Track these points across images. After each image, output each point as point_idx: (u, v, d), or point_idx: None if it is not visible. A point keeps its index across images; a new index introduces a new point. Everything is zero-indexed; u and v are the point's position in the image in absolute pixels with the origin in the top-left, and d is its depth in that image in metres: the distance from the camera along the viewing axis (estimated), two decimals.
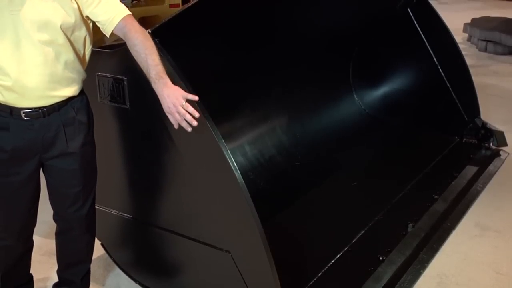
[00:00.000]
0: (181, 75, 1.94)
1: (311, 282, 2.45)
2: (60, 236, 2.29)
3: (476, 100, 4.10)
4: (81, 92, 2.06)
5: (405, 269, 2.66)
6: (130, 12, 1.98)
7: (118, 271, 2.63)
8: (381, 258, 2.67)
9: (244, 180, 1.91)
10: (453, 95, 4.08)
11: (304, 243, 2.79)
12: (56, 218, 2.23)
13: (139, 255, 2.55)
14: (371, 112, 4.42)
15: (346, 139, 3.97)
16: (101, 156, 2.37)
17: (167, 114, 1.89)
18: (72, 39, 1.94)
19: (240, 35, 3.05)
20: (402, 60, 4.36)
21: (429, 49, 4.07)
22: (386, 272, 2.60)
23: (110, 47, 2.20)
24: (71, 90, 1.99)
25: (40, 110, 1.93)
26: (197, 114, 1.85)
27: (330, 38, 3.98)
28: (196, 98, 1.89)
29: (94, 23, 2.01)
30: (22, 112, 1.91)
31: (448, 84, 4.07)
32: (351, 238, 2.82)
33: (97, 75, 2.21)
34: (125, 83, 2.12)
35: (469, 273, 2.72)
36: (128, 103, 2.16)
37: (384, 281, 2.54)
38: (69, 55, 1.94)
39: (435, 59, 4.07)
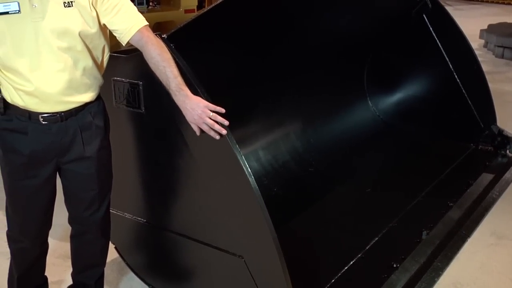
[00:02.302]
0: (195, 80, 1.95)
1: None
2: (75, 239, 2.31)
3: (492, 107, 4.06)
4: (98, 97, 2.08)
5: (419, 277, 2.63)
6: (147, 23, 1.99)
7: (131, 274, 2.64)
8: (395, 266, 2.64)
9: (258, 186, 1.91)
10: (469, 101, 4.04)
11: (318, 249, 2.77)
12: (71, 221, 2.25)
13: (152, 259, 2.56)
14: (386, 119, 4.39)
15: (360, 145, 3.95)
16: (116, 160, 2.38)
17: (190, 123, 1.93)
18: (90, 46, 1.96)
19: (254, 41, 3.06)
20: (417, 66, 4.33)
21: (445, 55, 4.04)
22: (400, 280, 2.58)
23: (126, 52, 2.22)
24: (88, 96, 2.01)
25: (58, 115, 1.95)
26: (226, 123, 1.90)
27: (345, 44, 3.98)
28: (222, 110, 1.91)
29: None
30: (40, 116, 1.94)
31: (463, 90, 4.04)
32: (365, 244, 2.80)
33: (113, 79, 2.23)
34: (141, 87, 2.14)
35: (485, 282, 2.69)
36: (143, 108, 2.17)
37: None
38: (88, 62, 1.96)
39: (450, 65, 4.04)
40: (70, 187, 2.13)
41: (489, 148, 4.09)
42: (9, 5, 1.80)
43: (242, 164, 1.89)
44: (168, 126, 2.12)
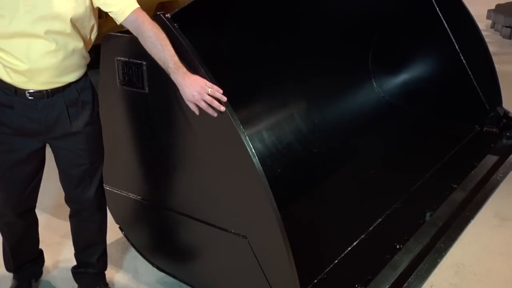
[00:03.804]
0: (199, 60, 1.93)
1: (328, 269, 2.46)
2: (73, 219, 2.35)
3: (498, 89, 4.03)
4: (85, 74, 2.11)
5: (422, 258, 2.64)
6: (139, 6, 2.00)
7: (135, 254, 2.67)
8: (398, 247, 2.65)
9: (261, 167, 1.91)
10: (475, 83, 4.00)
11: (321, 230, 2.79)
12: (66, 199, 2.30)
13: (156, 239, 2.57)
14: (390, 100, 4.37)
15: (365, 127, 3.94)
16: (120, 140, 2.39)
17: (188, 102, 1.92)
18: (80, 28, 1.99)
19: (259, 22, 3.04)
20: (423, 47, 4.29)
21: (451, 36, 3.99)
22: (402, 261, 2.59)
23: (129, 31, 2.21)
24: (76, 75, 2.05)
25: (44, 92, 1.99)
26: (224, 99, 1.88)
27: (350, 25, 3.94)
28: (220, 90, 1.90)
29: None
30: (26, 92, 1.97)
31: (469, 72, 4.00)
32: (368, 226, 2.81)
33: (116, 59, 2.21)
34: (144, 68, 2.13)
35: (488, 263, 2.70)
36: (147, 88, 2.16)
37: (400, 269, 2.53)
38: (78, 43, 1.99)
39: (456, 46, 4.00)
40: (61, 164, 2.17)
41: (494, 130, 4.07)
42: None
43: (246, 145, 1.89)
44: (172, 106, 2.11)
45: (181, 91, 1.92)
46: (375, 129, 3.96)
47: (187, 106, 1.97)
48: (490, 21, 8.28)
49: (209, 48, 2.21)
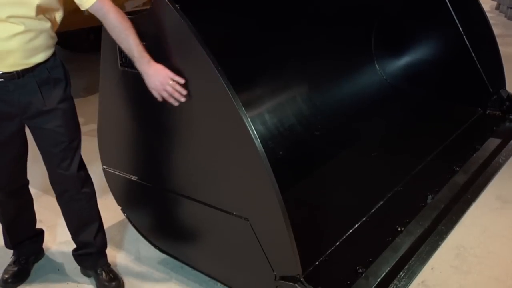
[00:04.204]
0: (201, 41, 1.92)
1: (329, 251, 2.47)
2: (60, 200, 2.38)
3: (502, 71, 4.00)
4: (53, 53, 2.14)
5: (423, 240, 2.65)
6: None
7: (137, 236, 2.68)
8: (399, 229, 2.66)
9: (263, 149, 1.91)
10: (478, 65, 3.97)
11: (323, 212, 2.79)
12: (51, 181, 2.32)
13: (158, 221, 2.58)
14: (393, 82, 4.35)
15: (367, 109, 3.93)
16: (121, 122, 2.38)
17: (151, 89, 2.01)
18: (46, 12, 2.00)
19: (262, 5, 3.01)
20: (426, 29, 4.25)
21: (455, 17, 3.95)
22: (404, 243, 2.60)
23: (129, 13, 2.19)
24: (45, 55, 2.08)
25: (14, 72, 2.01)
26: (184, 92, 1.97)
27: (353, 7, 3.90)
28: (182, 80, 1.98)
29: None
30: None
31: (473, 54, 3.97)
32: (370, 208, 2.82)
33: None
34: (146, 48, 2.11)
35: (489, 245, 2.71)
36: None
37: (401, 251, 2.54)
38: (45, 25, 2.01)
39: (460, 28, 3.96)
40: (42, 145, 2.20)
41: (497, 112, 4.05)
42: None
43: (248, 127, 1.88)
44: None
45: (144, 79, 2.00)
46: (377, 112, 3.95)
47: (190, 89, 1.97)
48: (495, 3, 8.21)
49: (211, 30, 2.19)
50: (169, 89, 1.97)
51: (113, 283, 2.44)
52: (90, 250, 2.46)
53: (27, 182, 2.41)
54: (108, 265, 2.52)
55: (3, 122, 2.09)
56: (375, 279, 2.35)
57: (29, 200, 2.46)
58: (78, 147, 2.26)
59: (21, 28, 1.93)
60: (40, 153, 2.25)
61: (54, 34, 2.10)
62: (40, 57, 2.06)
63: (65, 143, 2.19)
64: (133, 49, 1.98)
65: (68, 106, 2.18)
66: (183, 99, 1.99)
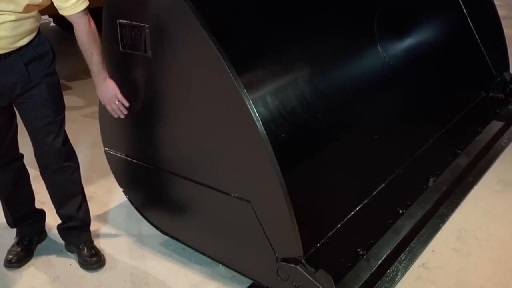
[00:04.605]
0: (202, 22, 1.90)
1: (330, 233, 2.48)
2: (44, 174, 2.42)
3: (506, 53, 3.98)
4: (38, 32, 2.21)
5: (424, 223, 2.66)
6: (86, 5, 2.12)
7: (139, 218, 2.69)
8: (400, 212, 2.67)
9: (265, 131, 1.90)
10: (482, 48, 3.94)
11: (324, 194, 2.80)
12: (36, 156, 2.37)
13: (160, 203, 2.59)
14: (395, 65, 4.32)
15: (369, 92, 3.91)
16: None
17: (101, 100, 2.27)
18: (35, 7, 2.09)
19: None
20: (430, 10, 4.21)
21: None
22: (405, 225, 2.61)
23: None
24: (31, 37, 2.16)
25: (2, 54, 2.09)
26: (124, 113, 2.29)
27: None
28: (126, 103, 2.27)
29: None
30: None
31: (477, 36, 3.94)
32: (371, 191, 2.82)
33: (119, 22, 2.18)
34: (147, 30, 2.09)
35: (489, 228, 2.72)
36: (150, 52, 2.13)
37: (403, 234, 2.56)
38: (32, 13, 2.09)
39: (464, 9, 3.92)
40: (28, 118, 2.27)
41: (500, 95, 4.03)
42: None
43: (250, 109, 1.87)
44: (176, 70, 2.09)
45: (97, 91, 2.25)
46: (380, 94, 3.93)
47: (191, 71, 1.98)
48: None
49: (212, 10, 2.17)
50: (114, 106, 2.26)
51: (94, 259, 2.49)
52: (74, 224, 2.50)
53: (21, 156, 2.46)
54: (91, 241, 2.56)
55: None
56: (376, 261, 2.36)
57: (25, 174, 2.50)
58: (63, 121, 2.34)
59: (9, 17, 2.01)
60: (25, 128, 2.31)
61: (39, 16, 2.18)
62: (26, 40, 2.13)
63: (51, 117, 2.27)
64: (93, 66, 2.18)
65: (52, 80, 2.26)
66: (122, 117, 2.30)
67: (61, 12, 2.12)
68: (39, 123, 2.27)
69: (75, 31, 2.14)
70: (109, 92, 2.24)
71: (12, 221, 2.55)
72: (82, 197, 2.51)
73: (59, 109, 2.31)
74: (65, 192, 2.45)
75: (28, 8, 2.04)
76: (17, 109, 2.29)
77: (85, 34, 2.13)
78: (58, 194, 2.47)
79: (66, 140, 2.37)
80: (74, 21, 2.12)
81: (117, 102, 2.25)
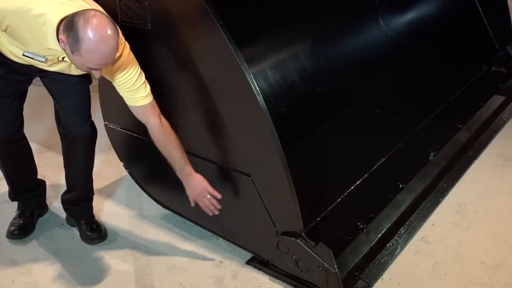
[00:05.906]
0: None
1: (330, 207, 2.49)
2: (67, 145, 2.38)
3: (509, 27, 3.94)
4: None
5: (424, 197, 2.67)
6: (150, 100, 2.07)
7: (140, 192, 2.70)
8: (400, 186, 2.68)
9: (265, 105, 1.89)
10: (485, 21, 3.90)
11: (324, 169, 2.80)
12: (62, 131, 2.34)
13: (160, 177, 2.59)
14: (397, 39, 4.28)
15: (370, 66, 3.88)
16: None
17: (189, 196, 2.17)
18: None
19: None
20: None
21: None
22: (405, 199, 2.62)
23: None
24: None
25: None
26: (219, 207, 2.15)
27: None
28: (219, 196, 2.13)
29: None
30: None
31: (480, 9, 3.89)
32: (372, 165, 2.82)
33: None
34: (147, 3, 2.07)
35: (489, 202, 2.73)
36: (149, 25, 2.11)
37: (403, 208, 2.57)
38: None
39: None
40: (60, 94, 2.25)
41: (503, 69, 4.01)
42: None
43: (251, 83, 1.86)
44: (176, 44, 2.07)
45: (184, 187, 2.15)
46: (381, 69, 3.90)
47: (191, 44, 1.95)
48: None
49: None
50: (206, 201, 2.15)
51: (95, 234, 2.50)
52: (74, 194, 2.49)
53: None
54: (92, 216, 2.56)
55: (20, 76, 2.18)
56: (376, 235, 2.38)
57: (30, 149, 2.48)
58: (89, 93, 2.33)
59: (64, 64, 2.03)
60: (56, 103, 2.29)
61: None
62: None
63: (85, 96, 2.28)
64: (175, 163, 2.11)
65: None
66: (216, 212, 2.16)
67: (128, 103, 2.10)
68: (72, 100, 2.27)
69: (148, 127, 2.10)
70: (199, 187, 2.13)
71: (13, 196, 2.56)
72: (90, 172, 2.50)
73: (89, 82, 2.33)
74: (78, 165, 2.44)
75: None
76: (44, 83, 2.28)
77: (157, 131, 2.08)
78: (72, 166, 2.45)
79: (92, 121, 2.37)
80: (142, 115, 2.09)
81: (208, 196, 2.14)
